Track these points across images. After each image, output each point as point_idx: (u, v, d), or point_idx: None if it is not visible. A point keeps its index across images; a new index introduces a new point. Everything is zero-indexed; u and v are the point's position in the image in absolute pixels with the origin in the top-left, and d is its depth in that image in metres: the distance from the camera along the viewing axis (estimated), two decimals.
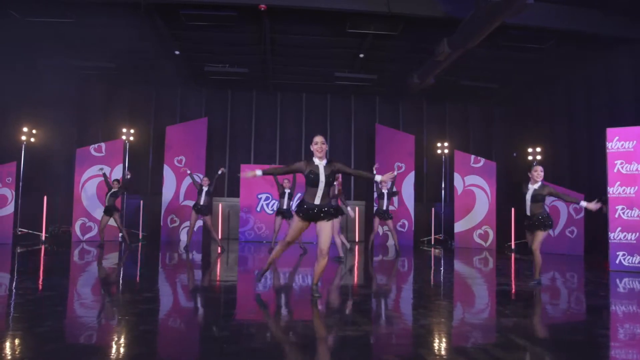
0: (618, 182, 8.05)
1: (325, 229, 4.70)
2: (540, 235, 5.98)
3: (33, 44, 10.75)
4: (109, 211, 10.23)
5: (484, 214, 12.19)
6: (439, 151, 14.12)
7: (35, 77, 11.96)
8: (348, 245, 9.67)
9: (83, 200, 11.51)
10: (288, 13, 9.23)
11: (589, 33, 9.42)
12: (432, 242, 13.44)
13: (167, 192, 12.85)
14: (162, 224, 12.73)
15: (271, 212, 13.15)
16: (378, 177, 4.92)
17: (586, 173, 11.87)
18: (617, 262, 7.94)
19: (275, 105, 14.95)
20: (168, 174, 12.83)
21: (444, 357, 3.13)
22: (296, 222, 4.81)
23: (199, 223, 12.48)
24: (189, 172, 10.17)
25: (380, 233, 13.17)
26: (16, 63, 11.57)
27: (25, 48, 10.97)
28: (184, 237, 12.64)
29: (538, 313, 4.81)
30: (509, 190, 13.87)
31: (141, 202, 12.97)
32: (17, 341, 3.20)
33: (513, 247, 11.63)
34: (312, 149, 4.77)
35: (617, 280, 6.87)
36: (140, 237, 12.45)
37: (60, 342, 3.26)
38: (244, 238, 13.06)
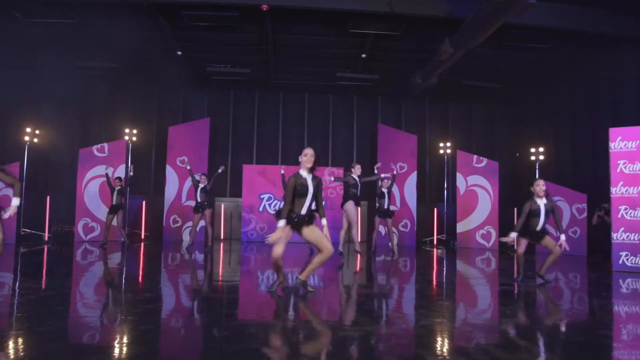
0: (621, 182, 8.02)
1: (315, 230, 4.91)
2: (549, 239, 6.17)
3: (36, 45, 10.79)
4: (115, 209, 10.25)
5: (486, 214, 12.17)
6: (441, 151, 14.10)
7: (38, 77, 11.99)
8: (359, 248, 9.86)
9: (86, 201, 11.54)
10: (290, 13, 9.24)
11: (593, 32, 9.39)
12: (435, 242, 13.42)
13: (170, 192, 12.87)
14: (164, 224, 12.76)
15: (273, 212, 13.15)
16: (324, 221, 4.91)
17: (589, 173, 11.83)
18: (620, 262, 7.91)
19: (278, 106, 14.95)
20: (170, 174, 12.86)
21: (445, 357, 3.12)
22: (283, 231, 4.82)
23: (202, 223, 12.54)
24: (188, 167, 10.25)
25: (383, 233, 13.16)
26: (19, 63, 11.61)
27: (28, 48, 11.01)
28: (186, 237, 12.66)
29: (540, 313, 4.79)
30: (511, 190, 13.85)
31: (144, 202, 13.02)
32: (18, 341, 3.21)
33: (516, 247, 11.57)
34: (300, 160, 4.95)
35: (620, 281, 6.84)
36: (143, 237, 12.48)
37: (62, 342, 3.27)
38: (246, 238, 13.08)
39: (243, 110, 14.84)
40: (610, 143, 8.15)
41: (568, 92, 13.01)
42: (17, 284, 5.47)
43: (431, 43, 10.00)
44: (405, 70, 12.18)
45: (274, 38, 10.65)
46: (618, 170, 8.06)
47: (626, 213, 7.95)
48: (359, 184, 9.07)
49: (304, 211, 4.86)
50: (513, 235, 6.16)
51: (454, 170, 13.10)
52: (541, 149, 12.62)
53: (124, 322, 3.87)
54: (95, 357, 2.94)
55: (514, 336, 3.67)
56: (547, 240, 6.15)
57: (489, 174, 12.31)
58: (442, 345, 3.46)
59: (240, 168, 13.60)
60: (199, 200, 9.77)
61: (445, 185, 14.12)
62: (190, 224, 12.67)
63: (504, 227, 12.16)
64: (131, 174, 10.91)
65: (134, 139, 12.91)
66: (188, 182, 12.76)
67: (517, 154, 14.48)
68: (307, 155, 4.95)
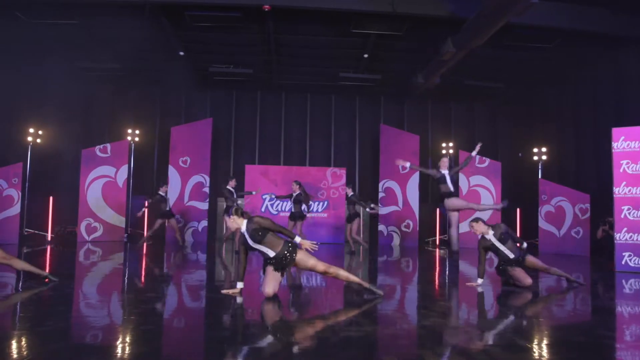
0: (624, 182, 7.98)
1: (304, 258, 4.77)
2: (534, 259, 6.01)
3: (39, 46, 10.82)
4: (165, 215, 10.84)
5: (489, 215, 12.13)
6: (443, 151, 14.07)
7: (40, 78, 12.05)
8: (366, 245, 10.06)
9: (88, 201, 11.57)
10: (292, 13, 9.23)
11: (596, 32, 9.34)
12: (437, 243, 13.40)
13: (172, 192, 12.87)
14: (167, 224, 12.76)
15: (276, 212, 13.17)
16: (298, 239, 4.78)
17: (592, 173, 11.79)
18: (623, 262, 7.87)
19: (280, 106, 14.95)
20: (173, 175, 12.87)
21: (446, 358, 3.12)
22: (271, 271, 4.75)
23: (204, 223, 12.71)
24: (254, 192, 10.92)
25: (385, 233, 13.16)
26: (22, 64, 11.67)
27: (31, 49, 11.04)
28: (189, 237, 12.67)
29: (542, 314, 4.77)
30: (514, 190, 13.81)
31: (146, 202, 13.03)
32: (20, 340, 3.22)
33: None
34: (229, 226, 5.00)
35: (623, 281, 6.81)
36: (145, 237, 12.49)
37: (63, 342, 3.28)
38: None
39: (245, 110, 14.85)
40: (613, 143, 8.11)
41: (571, 91, 12.97)
42: (20, 283, 5.49)
43: (433, 43, 9.98)
44: (408, 70, 12.17)
45: (276, 38, 10.66)
46: (621, 170, 8.03)
47: (629, 213, 7.92)
48: (449, 178, 8.37)
49: (272, 254, 4.70)
50: (479, 281, 5.82)
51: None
52: (544, 149, 12.59)
53: (124, 322, 3.88)
54: (94, 357, 2.94)
55: (515, 337, 3.66)
56: (517, 272, 5.77)
57: (492, 174, 12.27)
58: (443, 345, 3.45)
59: (242, 168, 13.60)
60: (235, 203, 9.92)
61: None
62: (192, 224, 12.74)
63: None
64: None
65: (137, 139, 12.94)
66: (190, 183, 12.81)
67: (520, 154, 14.44)
68: (233, 219, 4.75)
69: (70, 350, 3.09)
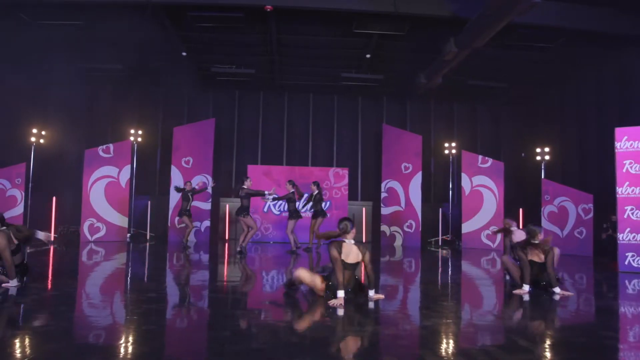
0: (627, 182, 7.96)
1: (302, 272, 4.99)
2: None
3: (42, 47, 10.86)
4: (181, 213, 10.81)
5: (491, 215, 12.11)
6: (446, 151, 14.05)
7: (44, 79, 12.09)
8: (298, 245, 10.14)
9: (91, 201, 11.60)
10: (294, 14, 9.24)
11: (600, 32, 9.31)
12: (440, 243, 13.38)
13: (175, 193, 12.88)
14: (169, 224, 12.79)
15: (278, 212, 13.18)
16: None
17: (595, 173, 11.76)
18: (627, 263, 7.85)
19: (282, 106, 14.96)
20: (175, 175, 12.88)
21: (446, 358, 3.11)
22: (318, 277, 4.94)
23: (206, 223, 12.71)
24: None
25: (388, 234, 13.15)
26: (26, 65, 11.71)
27: (35, 50, 11.09)
28: (191, 237, 12.67)
29: (545, 315, 4.76)
30: (517, 191, 13.78)
31: (149, 202, 13.07)
32: (22, 340, 3.23)
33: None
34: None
35: (627, 282, 6.79)
36: (148, 237, 12.52)
37: (65, 341, 3.28)
38: (251, 239, 13.05)
39: (248, 110, 14.87)
40: (616, 143, 8.08)
41: (574, 91, 12.93)
42: (23, 283, 5.50)
43: (436, 43, 9.96)
44: (410, 70, 12.16)
45: (278, 39, 10.67)
46: (624, 170, 8.00)
47: (632, 213, 7.89)
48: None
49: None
50: (526, 287, 5.48)
51: (459, 171, 13.05)
52: (547, 149, 12.55)
53: (126, 321, 3.89)
54: (95, 357, 2.95)
55: (517, 337, 3.64)
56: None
57: (494, 174, 12.25)
58: (444, 346, 3.44)
59: (244, 168, 13.62)
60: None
61: (450, 186, 14.08)
62: (195, 224, 12.74)
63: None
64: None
65: (139, 139, 12.96)
66: (192, 183, 12.79)
67: (523, 154, 14.41)
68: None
69: (72, 350, 3.10)
